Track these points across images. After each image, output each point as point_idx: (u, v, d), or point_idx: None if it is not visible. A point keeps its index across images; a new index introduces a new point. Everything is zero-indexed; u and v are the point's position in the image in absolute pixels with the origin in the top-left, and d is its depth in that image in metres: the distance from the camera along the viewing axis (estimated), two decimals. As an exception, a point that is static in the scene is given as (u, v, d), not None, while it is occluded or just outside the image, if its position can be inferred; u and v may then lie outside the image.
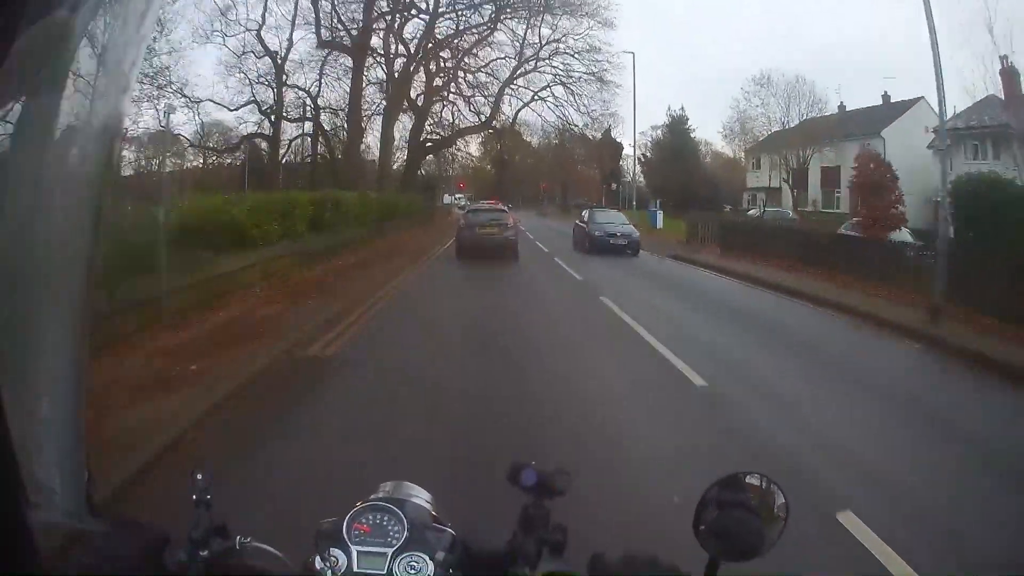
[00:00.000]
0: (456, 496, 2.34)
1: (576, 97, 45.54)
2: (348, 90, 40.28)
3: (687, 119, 66.43)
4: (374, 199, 30.69)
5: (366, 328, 11.31)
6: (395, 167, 46.34)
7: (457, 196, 76.20)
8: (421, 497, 1.42)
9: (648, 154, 73.13)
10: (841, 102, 49.65)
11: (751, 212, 47.82)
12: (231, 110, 39.70)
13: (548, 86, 45.87)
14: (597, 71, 44.18)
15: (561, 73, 45.19)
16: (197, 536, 1.21)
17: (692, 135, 67.25)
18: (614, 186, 58.73)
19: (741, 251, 25.51)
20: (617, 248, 25.61)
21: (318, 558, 1.31)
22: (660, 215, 42.34)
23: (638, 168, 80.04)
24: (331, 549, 1.30)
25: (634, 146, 57.11)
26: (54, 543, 1.09)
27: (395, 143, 44.96)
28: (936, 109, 15.07)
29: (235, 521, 1.28)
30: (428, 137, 46.60)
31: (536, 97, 46.10)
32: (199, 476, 1.26)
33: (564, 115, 46.30)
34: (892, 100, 46.33)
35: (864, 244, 20.52)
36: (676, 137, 65.81)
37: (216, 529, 1.24)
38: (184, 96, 35.97)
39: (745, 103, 53.94)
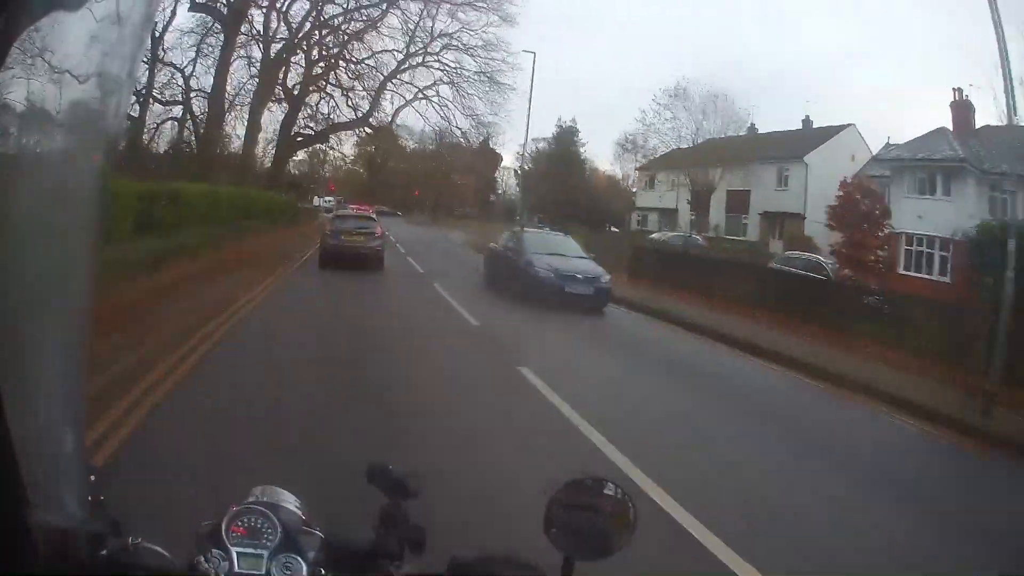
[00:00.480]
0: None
1: (464, 97, 41.64)
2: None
3: (577, 131, 63.02)
4: (225, 195, 25.66)
5: (158, 410, 6.38)
6: (264, 163, 41.16)
7: (327, 199, 69.83)
8: (290, 502, 1.42)
9: (527, 166, 70.47)
10: (752, 123, 46.20)
11: (655, 235, 43.53)
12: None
13: (435, 84, 41.77)
14: (490, 71, 40.34)
15: (451, 69, 41.13)
16: (94, 534, 1.25)
17: (582, 148, 63.90)
18: (492, 197, 54.37)
19: (656, 283, 21.57)
20: (577, 299, 15.89)
21: (202, 558, 1.31)
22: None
23: (515, 181, 77.64)
24: (213, 550, 1.31)
25: (523, 154, 51.42)
26: (54, 543, 1.12)
27: (264, 134, 39.87)
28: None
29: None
30: (300, 131, 41.30)
31: (420, 96, 41.87)
32: (93, 477, 1.32)
33: (448, 116, 42.25)
34: (815, 125, 43.49)
35: (837, 288, 17.52)
36: (563, 149, 62.18)
37: (112, 528, 1.29)
38: (53, 68, 30.06)
39: (654, 116, 48.08)
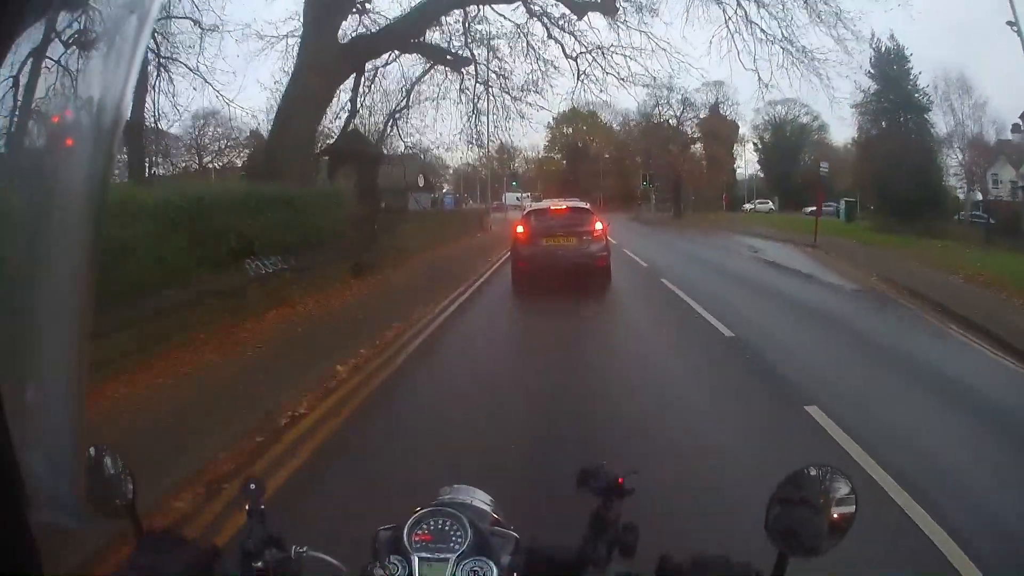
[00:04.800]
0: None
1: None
2: None
3: (908, 56, 35.03)
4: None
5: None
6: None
7: (518, 195, 54.87)
8: (482, 500, 1.38)
9: (765, 136, 59.82)
10: None
11: None
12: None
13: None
14: None
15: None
16: (250, 547, 1.23)
17: (916, 83, 35.17)
18: (824, 167, 29.92)
19: None
20: None
21: (377, 565, 1.24)
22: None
23: (754, 156, 62.20)
24: (391, 556, 1.25)
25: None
26: (54, 543, 1.12)
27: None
28: None
29: (292, 532, 1.26)
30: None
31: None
32: (252, 487, 1.28)
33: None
34: None
35: None
36: (890, 89, 34.67)
37: (270, 540, 1.26)
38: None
39: None
